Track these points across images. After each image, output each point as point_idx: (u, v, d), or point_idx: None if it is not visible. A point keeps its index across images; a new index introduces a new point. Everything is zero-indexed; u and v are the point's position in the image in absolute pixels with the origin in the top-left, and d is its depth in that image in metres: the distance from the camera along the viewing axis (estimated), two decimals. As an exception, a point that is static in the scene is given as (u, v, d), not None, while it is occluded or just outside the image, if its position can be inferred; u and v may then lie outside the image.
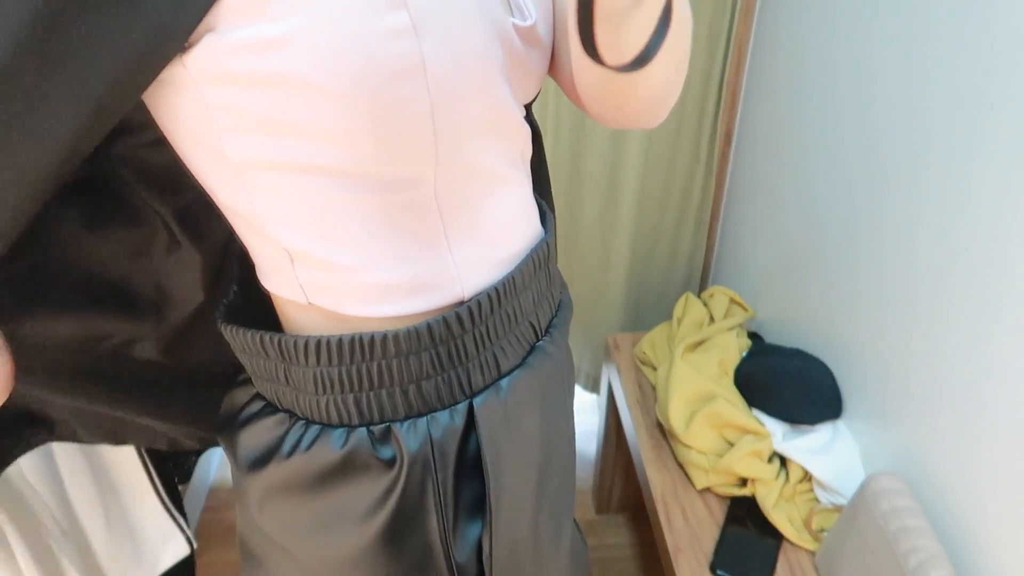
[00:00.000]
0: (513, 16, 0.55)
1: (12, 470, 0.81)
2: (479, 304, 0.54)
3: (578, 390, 2.11)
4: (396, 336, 0.52)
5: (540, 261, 0.60)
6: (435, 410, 0.55)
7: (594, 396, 2.13)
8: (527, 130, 0.60)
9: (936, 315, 1.07)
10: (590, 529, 1.86)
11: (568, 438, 0.67)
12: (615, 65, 0.45)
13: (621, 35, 0.44)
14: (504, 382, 0.57)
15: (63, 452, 0.89)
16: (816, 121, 1.41)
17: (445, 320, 0.53)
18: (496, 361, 0.57)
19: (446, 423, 0.55)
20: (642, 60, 0.44)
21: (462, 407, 0.56)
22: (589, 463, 2.04)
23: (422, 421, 0.54)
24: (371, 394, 0.54)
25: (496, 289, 0.55)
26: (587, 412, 2.19)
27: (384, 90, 0.45)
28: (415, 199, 0.51)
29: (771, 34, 1.59)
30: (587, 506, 1.93)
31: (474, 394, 0.56)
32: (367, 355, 0.52)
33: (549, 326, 0.63)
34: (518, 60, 0.55)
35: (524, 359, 0.59)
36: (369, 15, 0.43)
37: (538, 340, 0.61)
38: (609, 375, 1.72)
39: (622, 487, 1.88)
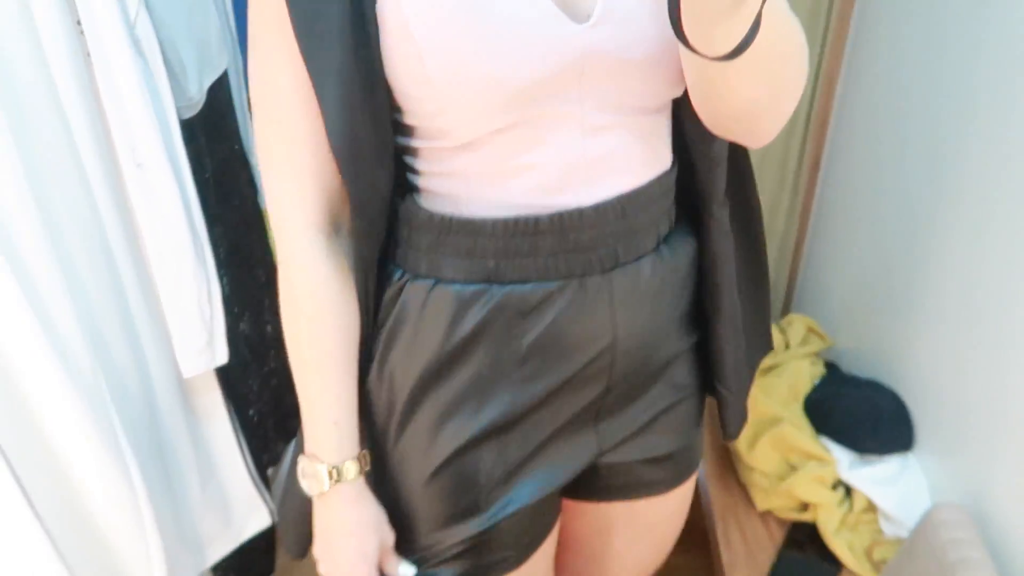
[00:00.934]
0: (588, 20, 0.62)
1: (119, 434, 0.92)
2: (430, 217, 0.70)
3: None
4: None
5: (523, 228, 0.70)
6: (400, 274, 0.74)
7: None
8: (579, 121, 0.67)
9: (1014, 355, 1.06)
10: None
11: (493, 396, 0.76)
12: (704, 53, 0.51)
13: (709, 26, 0.51)
14: (438, 284, 0.72)
15: (167, 416, 1.01)
16: (908, 152, 1.41)
17: (408, 208, 0.71)
18: (438, 265, 0.72)
19: (395, 277, 0.74)
20: (731, 55, 0.50)
21: (397, 278, 0.73)
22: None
23: (393, 272, 0.74)
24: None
25: (452, 218, 0.69)
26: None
27: (406, 92, 0.64)
28: (447, 172, 0.69)
29: (863, 65, 1.59)
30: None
31: (416, 278, 0.73)
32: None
33: (520, 280, 0.72)
34: (591, 59, 0.63)
35: (466, 282, 0.72)
36: (391, 43, 0.61)
37: (491, 284, 0.72)
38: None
39: (696, 524, 1.89)
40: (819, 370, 1.56)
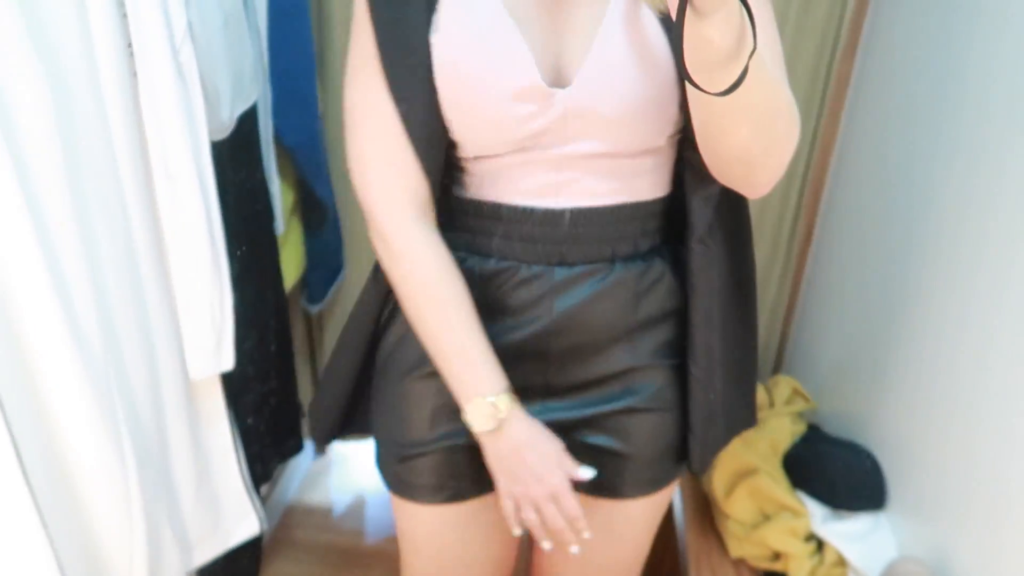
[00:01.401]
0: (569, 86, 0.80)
1: (136, 421, 0.98)
2: (439, 197, 0.90)
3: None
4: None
5: (486, 212, 0.89)
6: None
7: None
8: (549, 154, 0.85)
9: (985, 421, 1.11)
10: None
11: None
12: (707, 90, 0.64)
13: (709, 72, 0.64)
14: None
15: (170, 413, 1.07)
16: (895, 227, 1.48)
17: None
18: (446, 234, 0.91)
19: None
20: (726, 92, 0.63)
21: None
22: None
23: None
24: None
25: (451, 196, 0.91)
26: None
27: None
28: (466, 171, 0.89)
29: (857, 138, 1.69)
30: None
31: None
32: None
33: (485, 254, 0.91)
34: (571, 116, 0.80)
35: (454, 248, 0.90)
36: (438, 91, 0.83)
37: (469, 252, 0.91)
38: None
39: (670, 566, 1.91)
40: (800, 429, 1.61)
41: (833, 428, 1.64)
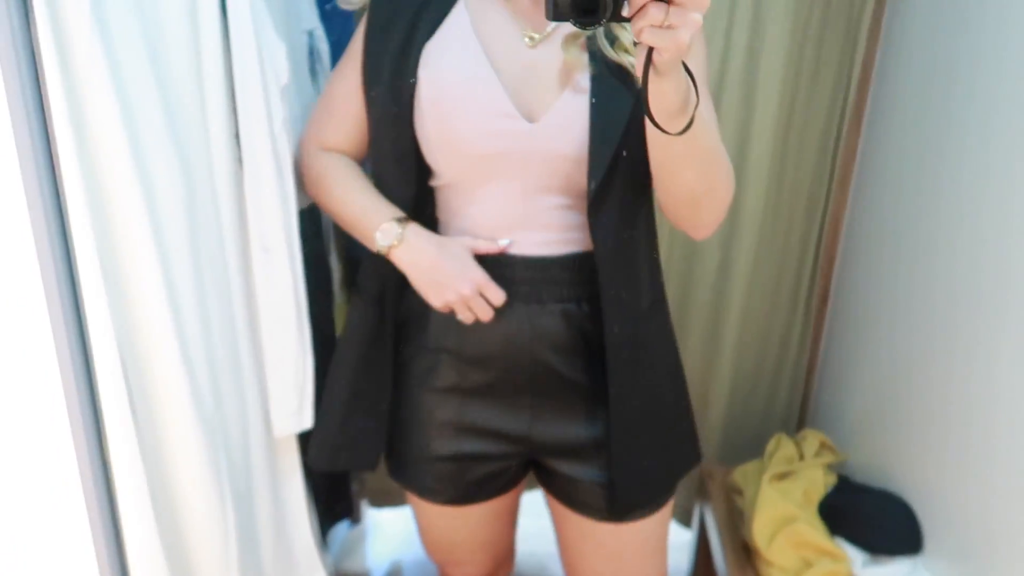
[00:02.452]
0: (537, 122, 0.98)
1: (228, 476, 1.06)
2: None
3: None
4: None
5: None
6: None
7: (686, 536, 2.21)
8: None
9: (1018, 463, 1.18)
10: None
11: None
12: (667, 130, 0.82)
13: (667, 118, 0.82)
14: None
15: (257, 468, 1.14)
16: (911, 283, 1.56)
17: None
18: None
19: None
20: (681, 132, 0.82)
21: None
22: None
23: None
24: None
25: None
26: (679, 551, 2.25)
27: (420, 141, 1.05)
28: (440, 198, 1.09)
29: (867, 204, 1.80)
30: (673, 637, 1.98)
31: None
32: None
33: None
34: (534, 148, 1.00)
35: None
36: (417, 108, 1.02)
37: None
38: (701, 505, 1.85)
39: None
40: (831, 479, 1.67)
41: (863, 478, 1.70)
